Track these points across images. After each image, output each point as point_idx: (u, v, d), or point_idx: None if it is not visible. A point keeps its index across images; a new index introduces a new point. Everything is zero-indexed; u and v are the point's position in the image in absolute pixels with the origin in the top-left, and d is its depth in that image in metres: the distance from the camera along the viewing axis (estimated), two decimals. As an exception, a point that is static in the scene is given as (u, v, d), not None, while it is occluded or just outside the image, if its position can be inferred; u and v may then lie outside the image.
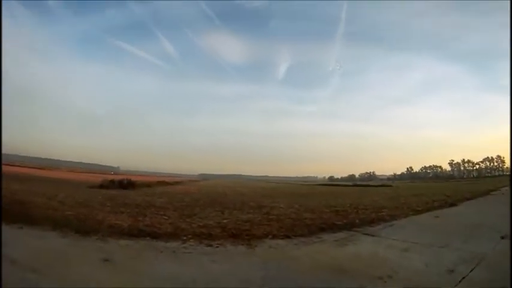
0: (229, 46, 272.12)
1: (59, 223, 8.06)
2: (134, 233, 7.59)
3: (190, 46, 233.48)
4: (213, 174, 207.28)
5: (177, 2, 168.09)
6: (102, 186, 26.97)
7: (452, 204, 16.19)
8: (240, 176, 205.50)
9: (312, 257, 6.31)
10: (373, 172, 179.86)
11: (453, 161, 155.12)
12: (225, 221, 9.83)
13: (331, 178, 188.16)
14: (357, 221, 10.30)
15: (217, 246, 6.86)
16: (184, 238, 7.35)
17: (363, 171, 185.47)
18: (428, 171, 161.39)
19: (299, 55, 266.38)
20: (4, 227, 7.26)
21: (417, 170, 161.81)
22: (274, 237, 7.78)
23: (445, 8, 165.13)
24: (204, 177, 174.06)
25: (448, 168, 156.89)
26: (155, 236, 7.46)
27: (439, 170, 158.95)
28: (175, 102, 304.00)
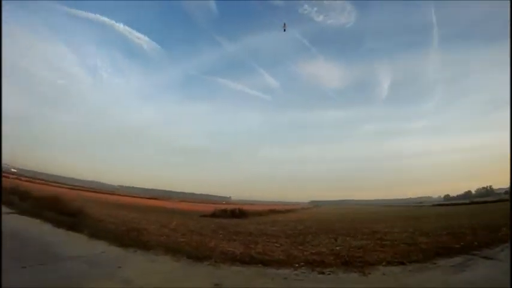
0: (328, 72, 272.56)
1: (171, 249, 8.88)
2: (246, 260, 7.91)
3: (290, 77, 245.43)
4: (323, 201, 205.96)
5: (273, 34, 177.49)
6: (214, 215, 28.71)
7: None
8: (351, 201, 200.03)
9: (425, 285, 5.91)
10: (490, 186, 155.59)
11: None
12: (337, 247, 9.77)
13: (446, 197, 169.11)
14: (475, 243, 9.35)
15: (329, 274, 6.81)
16: (296, 265, 7.42)
17: (479, 186, 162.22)
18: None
19: (398, 69, 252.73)
20: (120, 250, 8.46)
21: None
22: (388, 263, 7.46)
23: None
24: (315, 204, 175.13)
25: None
26: (267, 263, 7.66)
27: None
28: (282, 132, 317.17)
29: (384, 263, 7.50)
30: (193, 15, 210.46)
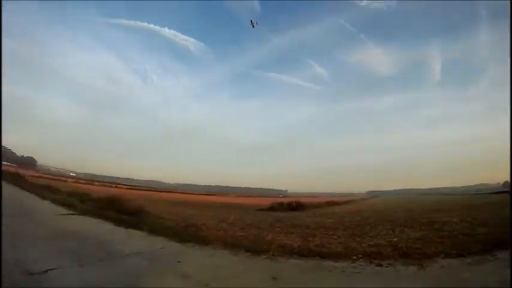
0: (377, 57, 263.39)
1: (229, 243, 9.10)
2: (304, 253, 7.98)
3: (340, 65, 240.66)
4: (381, 191, 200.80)
5: (318, 24, 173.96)
6: (271, 208, 29.00)
7: None
8: (408, 190, 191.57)
9: (485, 279, 5.60)
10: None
11: None
12: (395, 239, 9.63)
13: (505, 184, 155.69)
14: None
15: (387, 266, 6.74)
16: (354, 258, 7.42)
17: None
18: None
19: (449, 50, 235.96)
20: (179, 246, 8.79)
21: None
22: (447, 256, 7.23)
23: None
24: (373, 194, 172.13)
25: None
26: (324, 255, 7.69)
27: None
28: (335, 123, 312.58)
29: (442, 255, 7.31)
30: (236, 13, 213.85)
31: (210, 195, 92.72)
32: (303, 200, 38.44)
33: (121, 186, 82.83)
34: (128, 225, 11.36)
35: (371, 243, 9.15)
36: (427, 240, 9.12)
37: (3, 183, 27.97)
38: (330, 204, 43.38)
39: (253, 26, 52.62)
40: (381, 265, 6.82)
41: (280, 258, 7.61)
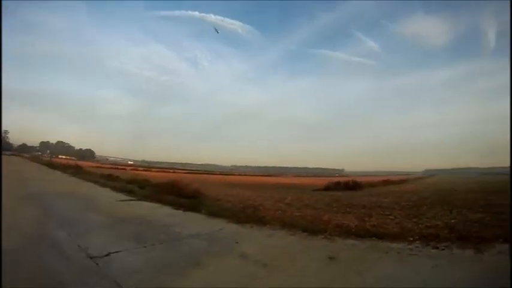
0: (430, 28, 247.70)
1: (287, 223, 9.16)
2: (360, 233, 7.94)
3: (391, 38, 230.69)
4: (439, 170, 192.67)
5: None
6: (327, 188, 28.79)
7: None
8: (468, 169, 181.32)
9: None
10: None
11: None
12: (452, 221, 9.34)
13: None
14: None
15: (443, 249, 6.55)
16: (411, 239, 7.30)
17: None
18: None
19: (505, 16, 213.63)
20: (237, 227, 8.96)
21: None
22: (505, 241, 6.79)
23: None
24: (430, 173, 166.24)
25: None
26: (381, 236, 7.63)
27: None
28: (390, 98, 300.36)
29: (500, 240, 6.91)
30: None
31: (266, 176, 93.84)
32: (359, 179, 37.80)
33: (179, 171, 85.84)
34: (187, 208, 11.71)
35: (428, 224, 8.97)
36: (484, 223, 8.81)
37: (65, 176, 29.99)
38: (386, 183, 42.81)
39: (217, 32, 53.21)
40: (437, 248, 6.68)
41: (337, 239, 7.60)
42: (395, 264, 5.65)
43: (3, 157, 76.01)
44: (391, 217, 10.50)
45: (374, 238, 7.51)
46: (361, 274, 5.09)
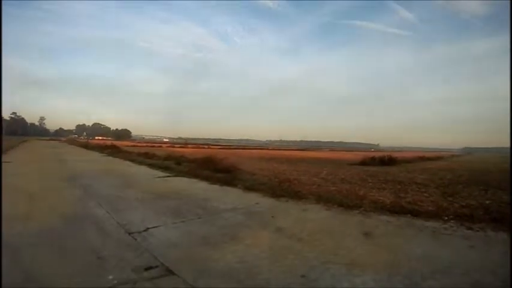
0: None
1: (322, 197, 9.26)
2: (396, 210, 7.95)
3: (427, 8, 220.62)
4: (478, 148, 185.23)
5: None
6: (363, 163, 28.43)
7: None
8: (508, 148, 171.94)
9: None
10: None
11: None
12: (487, 202, 9.04)
13: None
14: None
15: (477, 230, 6.46)
16: (445, 218, 7.24)
17: None
18: None
19: None
20: (273, 201, 9.13)
21: None
22: None
23: None
24: (468, 151, 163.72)
25: None
26: (416, 213, 7.63)
27: None
28: (427, 71, 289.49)
29: None
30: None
31: (302, 150, 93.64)
32: (394, 154, 37.23)
33: (214, 146, 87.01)
34: (223, 183, 12.00)
35: (463, 203, 8.80)
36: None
37: (102, 156, 30.98)
38: (422, 159, 42.10)
39: None
40: (471, 228, 6.61)
41: (372, 214, 7.65)
42: (428, 243, 5.64)
43: (41, 142, 79.75)
44: (426, 194, 10.38)
45: (409, 215, 7.55)
46: (394, 251, 5.12)
